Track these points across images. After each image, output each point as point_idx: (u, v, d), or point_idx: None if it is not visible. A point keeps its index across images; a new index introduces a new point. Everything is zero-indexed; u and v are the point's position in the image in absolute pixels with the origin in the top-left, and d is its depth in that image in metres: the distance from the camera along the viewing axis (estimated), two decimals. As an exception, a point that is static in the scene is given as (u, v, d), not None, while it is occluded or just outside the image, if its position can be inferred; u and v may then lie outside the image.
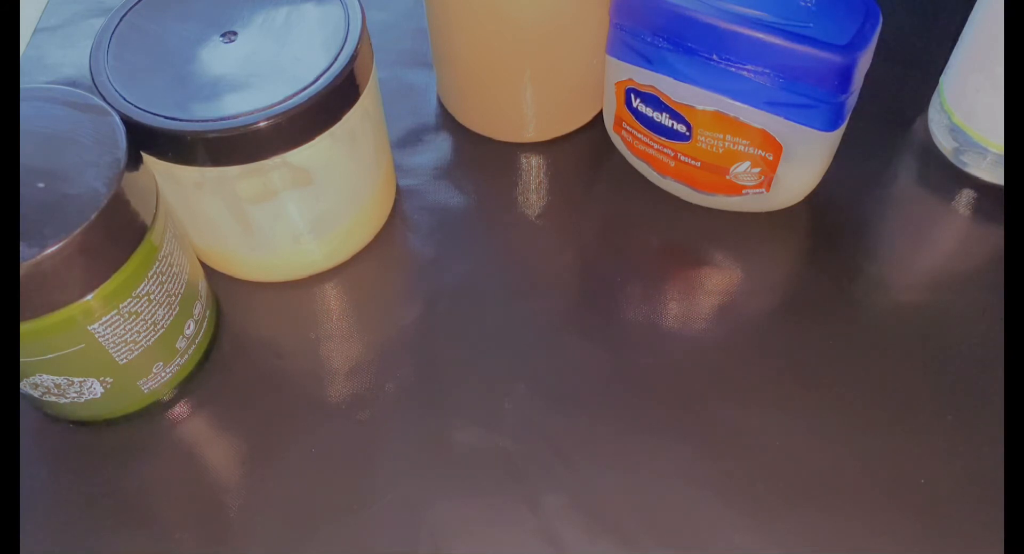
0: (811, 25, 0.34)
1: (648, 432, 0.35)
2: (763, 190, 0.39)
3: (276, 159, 0.34)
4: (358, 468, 0.35)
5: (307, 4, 0.36)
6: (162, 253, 0.32)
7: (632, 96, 0.39)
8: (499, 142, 0.44)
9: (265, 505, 0.34)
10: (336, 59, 0.34)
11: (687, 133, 0.38)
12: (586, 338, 0.38)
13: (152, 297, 0.32)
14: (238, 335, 0.38)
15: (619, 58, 0.38)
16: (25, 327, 0.30)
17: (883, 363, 0.37)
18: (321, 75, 0.33)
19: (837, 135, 0.37)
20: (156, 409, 0.36)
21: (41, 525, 0.34)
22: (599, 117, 0.44)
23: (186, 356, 0.36)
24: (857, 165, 0.42)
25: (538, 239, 0.41)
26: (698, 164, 0.39)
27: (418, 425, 0.36)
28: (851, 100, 0.36)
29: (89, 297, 0.30)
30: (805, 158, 0.37)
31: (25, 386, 0.33)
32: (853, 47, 0.33)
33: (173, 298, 0.34)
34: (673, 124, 0.38)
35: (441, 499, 0.34)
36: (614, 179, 0.43)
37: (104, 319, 0.31)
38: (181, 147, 0.33)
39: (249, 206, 0.35)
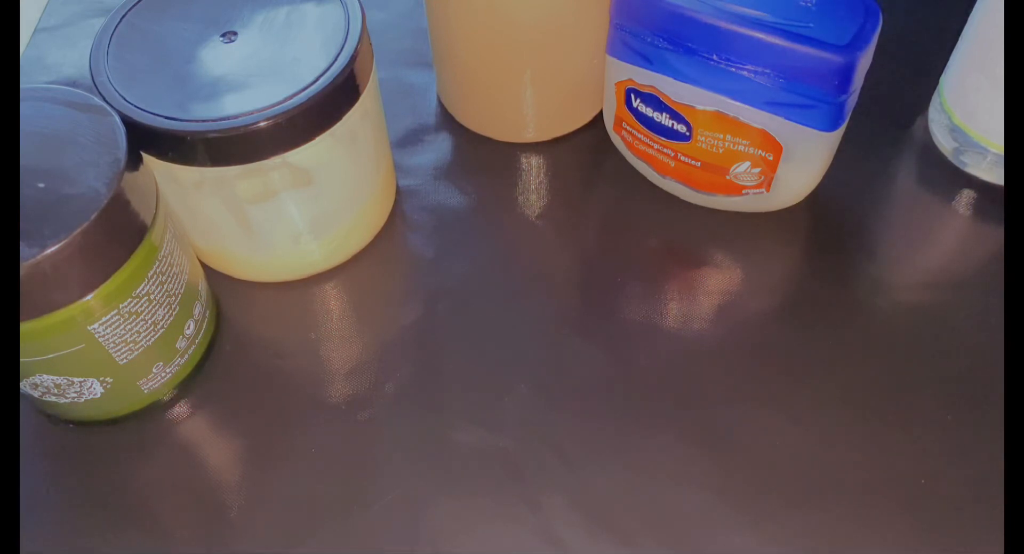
0: (811, 25, 0.34)
1: (648, 432, 0.35)
2: (763, 190, 0.39)
3: (276, 159, 0.34)
4: (358, 468, 0.35)
5: (307, 4, 0.36)
6: (162, 253, 0.32)
7: (632, 96, 0.39)
8: (499, 142, 0.44)
9: (265, 505, 0.34)
10: (336, 59, 0.34)
11: (687, 133, 0.38)
12: (586, 338, 0.38)
13: (152, 297, 0.32)
14: (238, 335, 0.38)
15: (619, 58, 0.38)
16: (25, 327, 0.30)
17: (883, 363, 0.37)
18: (321, 75, 0.33)
19: (837, 135, 0.37)
20: (156, 409, 0.36)
21: (41, 525, 0.34)
22: (599, 117, 0.44)
23: (186, 356, 0.36)
24: (857, 165, 0.42)
25: (538, 239, 0.41)
26: (698, 164, 0.39)
27: (418, 425, 0.36)
28: (851, 100, 0.36)
29: (89, 297, 0.30)
30: (805, 158, 0.37)
31: (25, 386, 0.33)
32: (853, 47, 0.33)
33: (173, 298, 0.34)
34: (673, 124, 0.38)
35: (441, 499, 0.34)
36: (614, 179, 0.43)
37: (104, 319, 0.31)
38: (181, 147, 0.33)
39: (249, 206, 0.35)
